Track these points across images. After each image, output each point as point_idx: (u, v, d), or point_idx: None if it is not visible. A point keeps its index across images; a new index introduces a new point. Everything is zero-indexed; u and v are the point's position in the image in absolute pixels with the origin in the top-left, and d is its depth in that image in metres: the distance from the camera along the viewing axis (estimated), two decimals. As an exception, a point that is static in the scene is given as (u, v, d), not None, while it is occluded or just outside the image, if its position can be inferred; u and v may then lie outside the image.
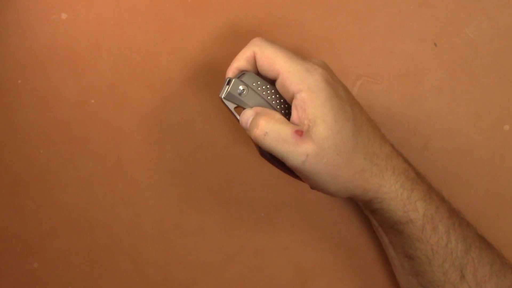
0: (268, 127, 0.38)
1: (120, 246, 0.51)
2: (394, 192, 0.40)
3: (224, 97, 0.40)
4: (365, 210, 0.44)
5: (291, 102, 0.39)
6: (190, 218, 0.51)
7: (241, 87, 0.40)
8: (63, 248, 0.51)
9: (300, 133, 0.37)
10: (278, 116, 0.39)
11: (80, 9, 0.49)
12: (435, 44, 0.49)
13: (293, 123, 0.38)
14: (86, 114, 0.50)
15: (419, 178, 0.41)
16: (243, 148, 0.50)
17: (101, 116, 0.50)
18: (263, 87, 0.40)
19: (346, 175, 0.38)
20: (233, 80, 0.40)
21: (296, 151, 0.37)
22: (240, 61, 0.40)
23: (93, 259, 0.51)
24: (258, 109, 0.40)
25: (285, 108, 0.40)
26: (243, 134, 0.50)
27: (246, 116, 0.40)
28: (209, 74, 0.49)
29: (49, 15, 0.50)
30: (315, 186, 0.39)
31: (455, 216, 0.42)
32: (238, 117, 0.41)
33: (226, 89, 0.40)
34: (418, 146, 0.49)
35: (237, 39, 0.49)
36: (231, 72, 0.40)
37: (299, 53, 0.49)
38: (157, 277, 0.51)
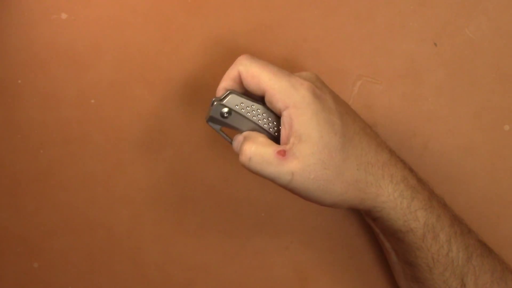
0: (251, 152, 0.38)
1: (120, 246, 0.51)
2: (393, 201, 0.39)
3: (207, 121, 0.40)
4: (367, 218, 0.44)
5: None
6: (190, 218, 0.51)
7: (224, 110, 0.39)
8: (63, 248, 0.51)
9: (283, 152, 0.37)
10: (261, 139, 0.39)
11: (80, 9, 0.49)
12: (435, 44, 0.49)
13: (283, 141, 0.38)
14: (86, 114, 0.50)
15: (420, 185, 0.41)
16: (243, 148, 0.50)
17: (101, 116, 0.50)
18: (248, 107, 0.39)
19: (339, 188, 0.38)
20: (215, 103, 0.39)
21: (281, 171, 0.37)
22: (227, 81, 0.40)
23: (93, 259, 0.51)
24: (246, 133, 0.40)
25: (274, 126, 0.40)
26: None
27: (237, 142, 0.40)
28: (209, 74, 0.49)
29: (49, 15, 0.50)
30: (310, 200, 0.39)
31: (457, 223, 0.41)
32: (226, 138, 0.41)
33: (209, 112, 0.40)
34: (418, 146, 0.49)
35: (237, 39, 0.49)
36: (219, 92, 0.40)
37: (299, 53, 0.49)
38: (157, 277, 0.51)
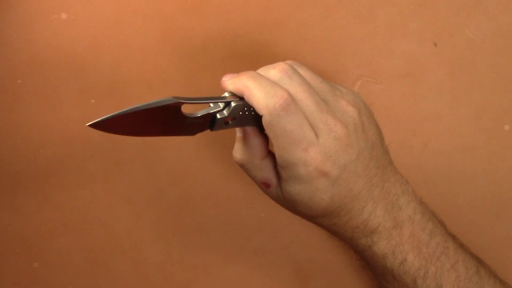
0: (247, 168, 0.39)
1: (120, 246, 0.51)
2: (356, 240, 0.40)
3: (212, 130, 0.38)
4: None
5: None
6: (190, 218, 0.51)
7: (228, 120, 0.37)
8: (63, 248, 0.51)
9: (267, 185, 0.39)
10: (256, 162, 0.39)
11: (80, 9, 0.49)
12: (435, 44, 0.49)
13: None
14: (86, 114, 0.50)
15: (395, 230, 0.40)
16: (243, 148, 0.50)
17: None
18: (246, 108, 0.38)
19: (313, 213, 0.39)
20: (218, 118, 0.37)
21: (266, 192, 0.40)
22: (236, 86, 0.37)
23: (93, 259, 0.51)
24: (248, 137, 0.39)
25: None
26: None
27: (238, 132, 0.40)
28: (209, 74, 0.49)
29: (49, 15, 0.50)
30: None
31: (436, 259, 0.40)
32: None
33: (215, 120, 0.37)
34: (418, 146, 0.49)
35: (237, 39, 0.49)
36: (231, 86, 0.37)
37: (299, 53, 0.49)
38: (157, 277, 0.51)
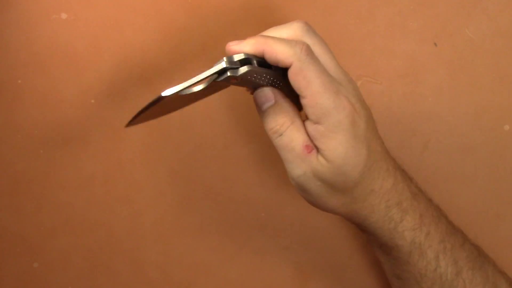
0: (284, 130, 0.37)
1: (120, 246, 0.51)
2: (380, 222, 0.39)
3: (216, 81, 0.36)
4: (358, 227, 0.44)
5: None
6: (190, 218, 0.51)
7: (234, 80, 0.36)
8: (63, 248, 0.51)
9: (310, 149, 0.36)
10: (298, 121, 0.37)
11: (80, 9, 0.49)
12: (435, 44, 0.49)
13: (306, 130, 0.37)
14: (86, 114, 0.50)
15: (415, 202, 0.40)
16: (243, 148, 0.50)
17: (101, 116, 0.50)
18: (259, 75, 0.36)
19: (333, 203, 0.38)
20: (228, 74, 0.35)
21: (298, 164, 0.36)
22: (255, 46, 0.35)
23: (93, 259, 0.51)
24: (279, 97, 0.37)
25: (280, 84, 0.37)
26: (243, 134, 0.50)
27: (264, 98, 0.37)
28: (209, 74, 0.49)
29: (49, 15, 0.50)
30: (303, 196, 0.39)
31: (449, 237, 0.41)
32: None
33: (215, 73, 0.35)
34: (418, 146, 0.49)
35: (237, 39, 0.49)
36: (235, 51, 0.36)
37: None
38: (157, 277, 0.51)
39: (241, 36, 0.49)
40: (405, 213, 0.39)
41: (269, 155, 0.50)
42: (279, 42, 0.35)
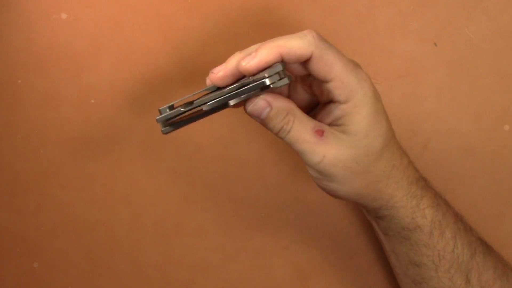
0: (290, 126, 0.37)
1: (120, 246, 0.51)
2: (404, 201, 0.39)
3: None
4: (369, 216, 0.44)
5: (330, 98, 0.37)
6: (190, 218, 0.51)
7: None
8: (63, 248, 0.51)
9: (321, 132, 0.36)
10: (299, 112, 0.37)
11: (80, 9, 0.49)
12: (435, 44, 0.49)
13: (321, 117, 0.38)
14: (86, 114, 0.50)
15: (428, 185, 0.41)
16: (243, 148, 0.50)
17: (101, 116, 0.50)
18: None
19: (359, 183, 0.38)
20: (271, 87, 0.34)
21: (314, 150, 0.36)
22: (272, 56, 0.35)
23: (93, 259, 0.51)
24: (272, 99, 0.37)
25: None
26: (243, 135, 0.50)
27: (259, 109, 0.37)
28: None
29: (49, 15, 0.50)
30: (324, 186, 0.39)
31: (460, 221, 0.42)
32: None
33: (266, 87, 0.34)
34: (418, 146, 0.49)
35: (237, 39, 0.49)
36: (264, 58, 0.34)
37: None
38: (157, 277, 0.51)
39: (241, 35, 0.49)
40: (424, 190, 0.40)
41: (269, 155, 0.50)
42: (291, 39, 0.35)
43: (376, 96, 0.37)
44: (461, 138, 0.49)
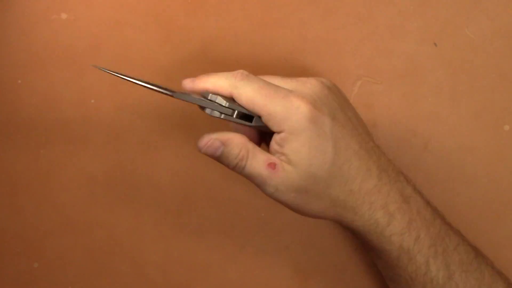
0: (245, 162, 0.38)
1: (120, 246, 0.51)
2: (367, 226, 0.39)
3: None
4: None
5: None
6: (190, 218, 0.51)
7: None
8: (63, 248, 0.51)
9: (273, 165, 0.38)
10: (252, 146, 0.38)
11: (80, 9, 0.49)
12: (435, 44, 0.49)
13: (272, 149, 0.38)
14: (86, 114, 0.50)
15: (405, 205, 0.39)
16: (243, 148, 0.50)
17: (101, 116, 0.50)
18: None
19: (316, 208, 0.39)
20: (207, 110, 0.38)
21: (267, 183, 0.38)
22: (214, 88, 0.38)
23: (93, 259, 0.51)
24: (225, 138, 0.38)
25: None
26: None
27: (213, 149, 0.39)
28: (209, 74, 0.49)
29: (49, 15, 0.50)
30: (291, 209, 0.40)
31: (441, 240, 0.40)
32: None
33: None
34: (418, 146, 0.49)
35: (237, 39, 0.49)
36: (209, 86, 0.39)
37: (299, 53, 0.49)
38: (157, 277, 0.51)
39: (241, 35, 0.49)
40: (392, 217, 0.39)
41: (269, 155, 0.50)
42: (219, 79, 0.38)
43: (315, 120, 0.37)
44: (461, 138, 0.49)
